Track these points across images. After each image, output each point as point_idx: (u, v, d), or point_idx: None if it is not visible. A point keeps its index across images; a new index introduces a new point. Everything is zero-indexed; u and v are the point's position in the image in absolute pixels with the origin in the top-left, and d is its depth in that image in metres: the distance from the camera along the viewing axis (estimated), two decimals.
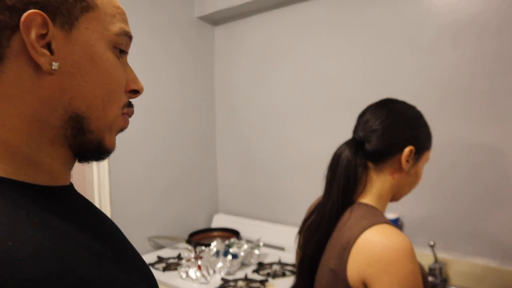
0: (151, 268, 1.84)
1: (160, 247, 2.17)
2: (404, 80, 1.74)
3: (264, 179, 2.31)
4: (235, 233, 2.23)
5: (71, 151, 0.53)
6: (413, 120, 1.04)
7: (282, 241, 2.10)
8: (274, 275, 1.75)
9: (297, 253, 1.17)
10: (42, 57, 0.47)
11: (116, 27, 0.54)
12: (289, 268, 1.82)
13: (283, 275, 1.75)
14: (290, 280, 1.69)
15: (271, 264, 1.87)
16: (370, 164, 1.04)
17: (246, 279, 1.70)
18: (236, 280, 1.69)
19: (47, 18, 0.47)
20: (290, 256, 1.96)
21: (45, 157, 0.50)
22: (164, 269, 1.83)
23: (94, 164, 1.82)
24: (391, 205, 1.72)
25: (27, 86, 0.47)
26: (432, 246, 1.59)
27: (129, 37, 0.56)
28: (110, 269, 0.48)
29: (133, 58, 1.98)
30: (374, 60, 1.83)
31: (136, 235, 2.05)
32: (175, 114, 2.27)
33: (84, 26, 0.50)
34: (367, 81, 1.86)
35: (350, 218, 0.97)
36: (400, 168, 1.02)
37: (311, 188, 2.10)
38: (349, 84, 1.92)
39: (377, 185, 1.04)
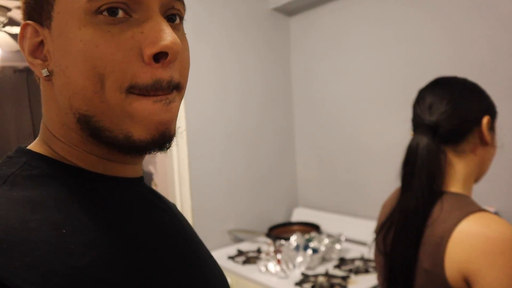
0: (231, 261, 1.87)
1: (240, 240, 2.18)
2: (496, 61, 1.56)
3: (345, 172, 2.21)
4: (315, 228, 2.17)
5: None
6: (477, 89, 0.97)
7: (365, 236, 2.00)
8: (357, 271, 1.66)
9: (376, 256, 1.09)
10: (36, 67, 0.46)
11: None
12: (373, 264, 1.72)
13: (366, 271, 1.66)
14: (373, 277, 1.60)
15: (353, 260, 1.79)
16: (447, 148, 0.94)
17: (327, 274, 1.64)
18: (316, 276, 1.64)
19: (35, 24, 0.45)
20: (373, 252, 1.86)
21: (90, 154, 0.48)
22: (244, 262, 1.83)
23: (175, 159, 1.88)
24: (486, 199, 1.55)
25: (47, 92, 0.48)
26: None
27: None
28: (152, 264, 0.46)
29: (210, 53, 2.01)
30: (461, 41, 1.66)
31: (216, 228, 2.08)
32: (254, 108, 2.26)
33: (57, 11, 0.43)
34: (453, 65, 1.69)
35: (441, 211, 0.87)
36: (481, 142, 0.94)
37: (394, 180, 1.99)
38: (433, 70, 1.76)
39: (459, 169, 0.94)
